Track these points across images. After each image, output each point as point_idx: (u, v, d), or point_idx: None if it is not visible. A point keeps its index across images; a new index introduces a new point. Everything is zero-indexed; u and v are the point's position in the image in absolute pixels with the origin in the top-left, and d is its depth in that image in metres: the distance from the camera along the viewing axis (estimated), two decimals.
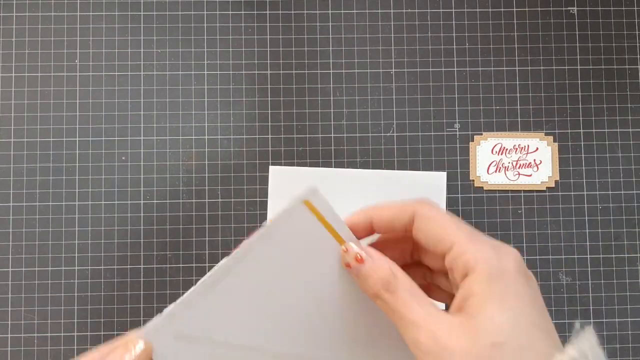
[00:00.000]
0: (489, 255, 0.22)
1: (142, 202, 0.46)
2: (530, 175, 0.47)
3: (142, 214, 0.46)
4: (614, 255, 0.47)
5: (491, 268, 0.22)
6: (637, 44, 0.48)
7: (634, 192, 0.47)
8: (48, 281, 0.45)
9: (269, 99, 0.48)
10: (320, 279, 0.26)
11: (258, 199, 0.47)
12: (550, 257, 0.47)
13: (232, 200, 0.47)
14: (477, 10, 0.49)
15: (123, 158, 0.47)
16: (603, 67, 0.48)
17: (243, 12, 0.48)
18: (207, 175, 0.47)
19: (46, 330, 0.45)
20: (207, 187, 0.47)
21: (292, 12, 0.48)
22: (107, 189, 0.46)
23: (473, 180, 0.47)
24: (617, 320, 0.46)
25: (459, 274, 0.23)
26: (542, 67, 0.48)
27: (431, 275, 0.28)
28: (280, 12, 0.48)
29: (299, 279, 0.26)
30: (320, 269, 0.26)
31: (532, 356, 0.20)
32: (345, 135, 0.47)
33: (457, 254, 0.23)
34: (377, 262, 0.25)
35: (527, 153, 0.47)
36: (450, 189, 0.47)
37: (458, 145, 0.47)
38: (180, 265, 0.46)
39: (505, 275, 0.22)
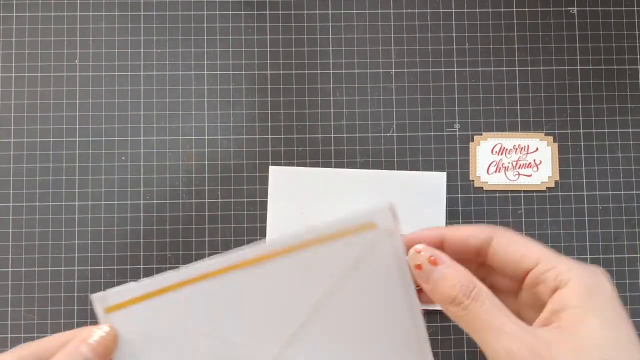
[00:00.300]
0: (581, 270, 0.22)
1: (142, 202, 0.46)
2: (530, 176, 0.47)
3: (142, 214, 0.46)
4: (614, 256, 0.47)
5: (588, 281, 0.21)
6: (637, 44, 0.48)
7: (634, 192, 0.47)
8: (48, 281, 0.45)
9: (269, 99, 0.48)
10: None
11: (258, 199, 0.47)
12: None
13: (232, 200, 0.47)
14: (477, 10, 0.49)
15: (123, 158, 0.47)
16: (603, 67, 0.48)
17: (243, 12, 0.48)
18: (207, 175, 0.47)
19: (46, 331, 0.45)
20: (207, 187, 0.47)
21: (292, 12, 0.48)
22: (107, 189, 0.46)
23: (473, 181, 0.47)
24: None
25: (547, 287, 0.22)
26: (542, 67, 0.48)
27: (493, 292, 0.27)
28: (280, 12, 0.48)
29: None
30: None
31: None
32: (345, 135, 0.47)
33: (545, 268, 0.22)
34: (452, 264, 0.24)
35: (527, 153, 0.47)
36: (450, 189, 0.47)
37: (458, 146, 0.47)
38: (180, 265, 0.46)
39: (602, 291, 0.21)
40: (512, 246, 0.24)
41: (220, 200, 0.47)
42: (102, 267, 0.46)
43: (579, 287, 0.21)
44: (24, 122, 0.47)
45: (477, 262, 0.26)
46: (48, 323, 0.45)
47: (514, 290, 0.25)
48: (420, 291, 0.26)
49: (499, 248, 0.24)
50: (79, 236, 0.46)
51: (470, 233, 0.25)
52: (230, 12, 0.48)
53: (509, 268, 0.24)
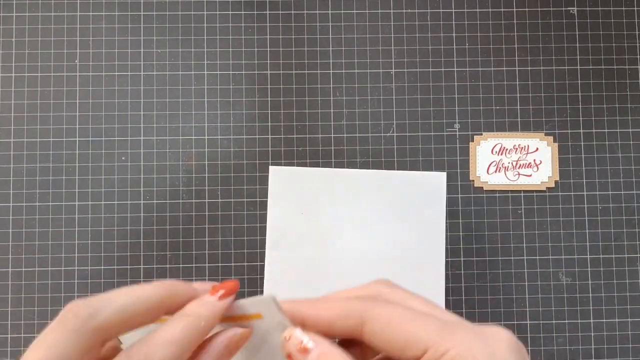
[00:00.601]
0: (475, 349, 0.19)
1: (142, 202, 0.46)
2: (530, 176, 0.47)
3: (142, 214, 0.46)
4: (614, 256, 0.47)
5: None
6: (637, 44, 0.48)
7: (634, 192, 0.47)
8: (48, 281, 0.45)
9: (269, 99, 0.48)
10: None
11: (258, 199, 0.47)
12: (550, 257, 0.47)
13: (232, 200, 0.47)
14: (477, 10, 0.49)
15: (123, 158, 0.47)
16: (603, 67, 0.48)
17: (243, 12, 0.48)
18: (207, 175, 0.47)
19: None
20: (207, 187, 0.47)
21: (292, 12, 0.48)
22: (107, 189, 0.46)
23: (473, 181, 0.47)
24: (617, 320, 0.46)
25: None
26: (542, 67, 0.48)
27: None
28: (280, 12, 0.48)
29: None
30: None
31: None
32: (345, 135, 0.47)
33: (435, 355, 0.19)
34: (326, 354, 0.20)
35: (527, 153, 0.47)
36: (450, 189, 0.47)
37: (458, 146, 0.47)
38: (180, 265, 0.46)
39: None
40: (389, 331, 0.20)
41: (220, 200, 0.47)
42: (102, 267, 0.46)
43: None
44: (24, 122, 0.47)
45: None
46: (48, 323, 0.45)
47: None
48: None
49: (373, 335, 0.20)
50: (79, 236, 0.46)
51: (335, 316, 0.21)
52: (230, 12, 0.48)
53: (393, 355, 0.20)
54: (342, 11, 0.48)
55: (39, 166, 0.47)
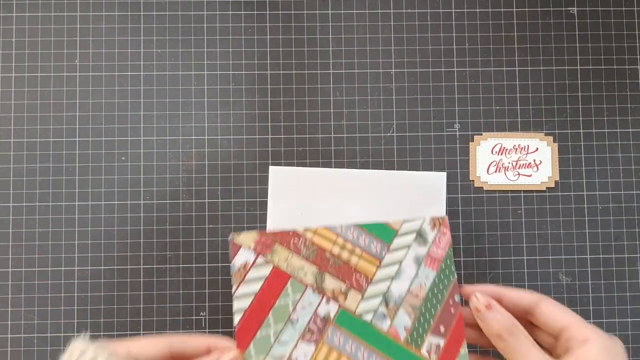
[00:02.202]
0: (602, 335, 0.31)
1: (142, 202, 0.46)
2: (530, 176, 0.47)
3: (142, 214, 0.46)
4: (614, 256, 0.47)
5: (605, 343, 0.31)
6: (637, 44, 0.48)
7: (634, 192, 0.47)
8: (48, 281, 0.46)
9: (269, 99, 0.48)
10: None
11: (258, 199, 0.47)
12: (550, 257, 0.47)
13: (232, 200, 0.47)
14: (477, 10, 0.49)
15: (123, 158, 0.47)
16: (603, 67, 0.48)
17: (243, 12, 0.48)
18: (207, 175, 0.47)
19: (46, 331, 0.45)
20: (207, 187, 0.47)
21: (292, 12, 0.48)
22: (107, 189, 0.46)
23: (473, 181, 0.47)
24: (617, 320, 0.46)
25: (575, 341, 0.31)
26: (542, 67, 0.48)
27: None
28: (280, 12, 0.48)
29: None
30: None
31: None
32: (345, 135, 0.47)
33: (575, 329, 0.31)
34: (501, 310, 0.33)
35: (527, 153, 0.47)
36: (450, 189, 0.47)
37: (458, 146, 0.47)
38: (180, 265, 0.46)
39: (617, 351, 0.31)
40: (553, 311, 0.32)
41: (220, 200, 0.47)
42: (102, 267, 0.46)
43: (599, 345, 0.30)
44: (24, 122, 0.47)
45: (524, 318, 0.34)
46: (48, 323, 0.45)
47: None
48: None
49: (543, 311, 0.33)
50: (79, 236, 0.46)
51: (521, 296, 0.34)
52: (230, 12, 0.48)
53: (548, 327, 0.33)
54: (342, 11, 0.48)
55: (39, 166, 0.47)
